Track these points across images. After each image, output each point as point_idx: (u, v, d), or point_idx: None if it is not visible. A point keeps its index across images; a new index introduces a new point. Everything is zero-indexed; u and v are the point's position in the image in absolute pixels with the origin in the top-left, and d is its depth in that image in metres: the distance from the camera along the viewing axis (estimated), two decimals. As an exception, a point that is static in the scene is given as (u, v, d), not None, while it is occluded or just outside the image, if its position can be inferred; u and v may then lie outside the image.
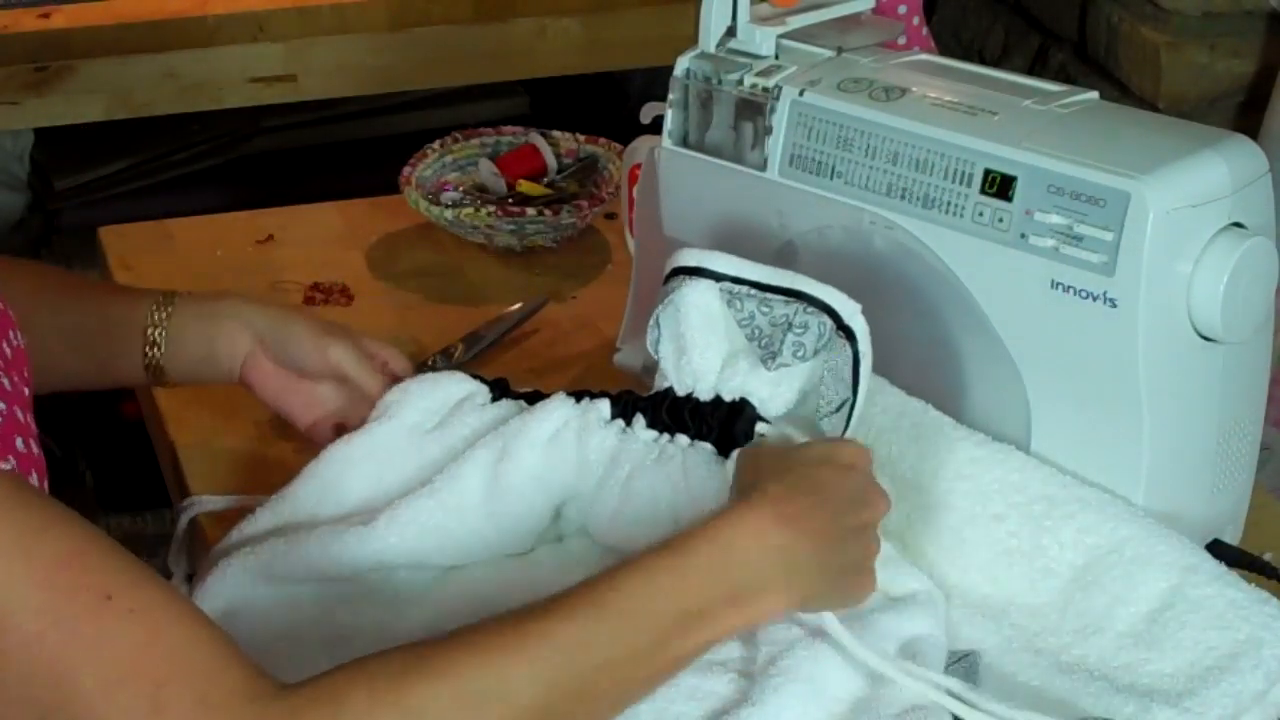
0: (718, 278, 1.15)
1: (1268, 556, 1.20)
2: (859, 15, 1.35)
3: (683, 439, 1.16)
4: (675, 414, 1.17)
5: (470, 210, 1.62)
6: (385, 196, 1.70)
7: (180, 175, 2.65)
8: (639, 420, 1.18)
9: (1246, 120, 2.16)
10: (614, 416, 1.18)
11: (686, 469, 1.15)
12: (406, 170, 1.68)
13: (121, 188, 2.63)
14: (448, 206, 1.63)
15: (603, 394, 1.19)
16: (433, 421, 1.23)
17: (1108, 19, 2.28)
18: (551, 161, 1.71)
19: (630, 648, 0.98)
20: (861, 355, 1.12)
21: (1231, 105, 2.21)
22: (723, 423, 1.15)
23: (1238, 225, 1.14)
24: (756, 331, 1.13)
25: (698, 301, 1.15)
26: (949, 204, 1.19)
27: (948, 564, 1.16)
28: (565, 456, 1.18)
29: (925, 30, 1.50)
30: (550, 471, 1.18)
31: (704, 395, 1.16)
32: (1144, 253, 1.11)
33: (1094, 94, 1.23)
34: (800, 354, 1.12)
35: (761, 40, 1.28)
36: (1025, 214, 1.15)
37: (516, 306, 1.51)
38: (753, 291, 1.14)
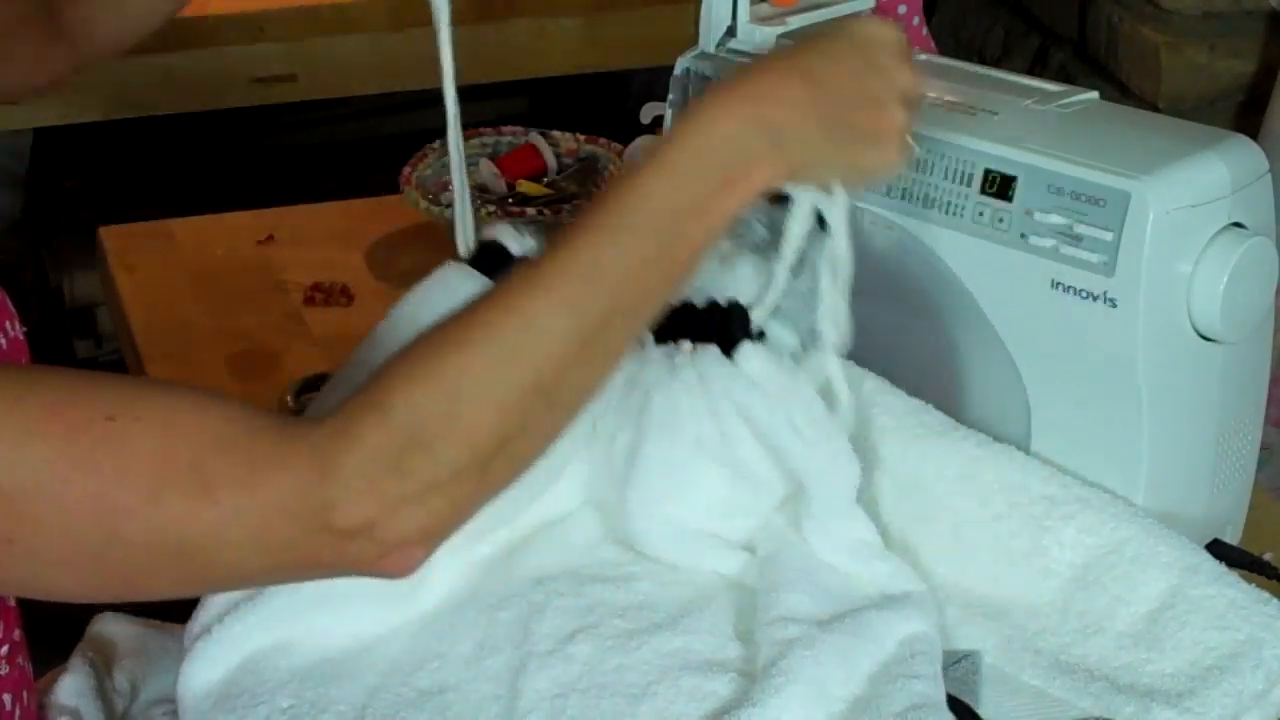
0: None
1: (1268, 556, 1.20)
2: (858, 15, 1.35)
3: (686, 344, 1.15)
4: (675, 323, 1.15)
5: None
6: (385, 196, 1.70)
7: (180, 175, 2.65)
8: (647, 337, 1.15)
9: (1246, 120, 2.17)
10: None
11: (701, 373, 1.14)
12: (407, 170, 1.68)
13: (122, 188, 2.64)
14: (448, 206, 1.63)
15: None
16: None
17: (1108, 19, 2.28)
18: (551, 161, 1.71)
19: (641, 257, 0.97)
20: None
21: (1231, 105, 2.21)
22: (719, 325, 1.14)
23: (1238, 225, 1.14)
24: (744, 229, 1.13)
25: None
26: (949, 204, 1.18)
27: (948, 564, 1.16)
28: None
29: (925, 30, 1.50)
30: None
31: (699, 302, 1.15)
32: (1144, 253, 1.11)
33: (1094, 94, 1.23)
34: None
35: (762, 40, 1.28)
36: (1025, 214, 1.15)
37: None
38: None
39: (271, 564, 0.96)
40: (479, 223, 1.59)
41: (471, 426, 0.95)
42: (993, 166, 1.17)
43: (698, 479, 1.16)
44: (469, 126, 1.76)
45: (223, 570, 0.96)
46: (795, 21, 1.30)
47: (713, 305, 1.15)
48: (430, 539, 0.97)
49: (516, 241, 1.21)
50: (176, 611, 1.32)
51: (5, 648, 1.17)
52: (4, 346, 1.12)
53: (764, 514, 1.17)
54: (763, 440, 1.14)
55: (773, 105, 1.01)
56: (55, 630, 1.37)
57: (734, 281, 1.16)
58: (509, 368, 0.95)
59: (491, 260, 1.21)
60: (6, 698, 1.19)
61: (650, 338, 1.17)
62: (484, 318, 0.96)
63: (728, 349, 1.15)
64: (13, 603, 1.20)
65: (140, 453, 0.91)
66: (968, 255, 1.18)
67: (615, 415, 1.18)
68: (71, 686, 1.30)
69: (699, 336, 1.15)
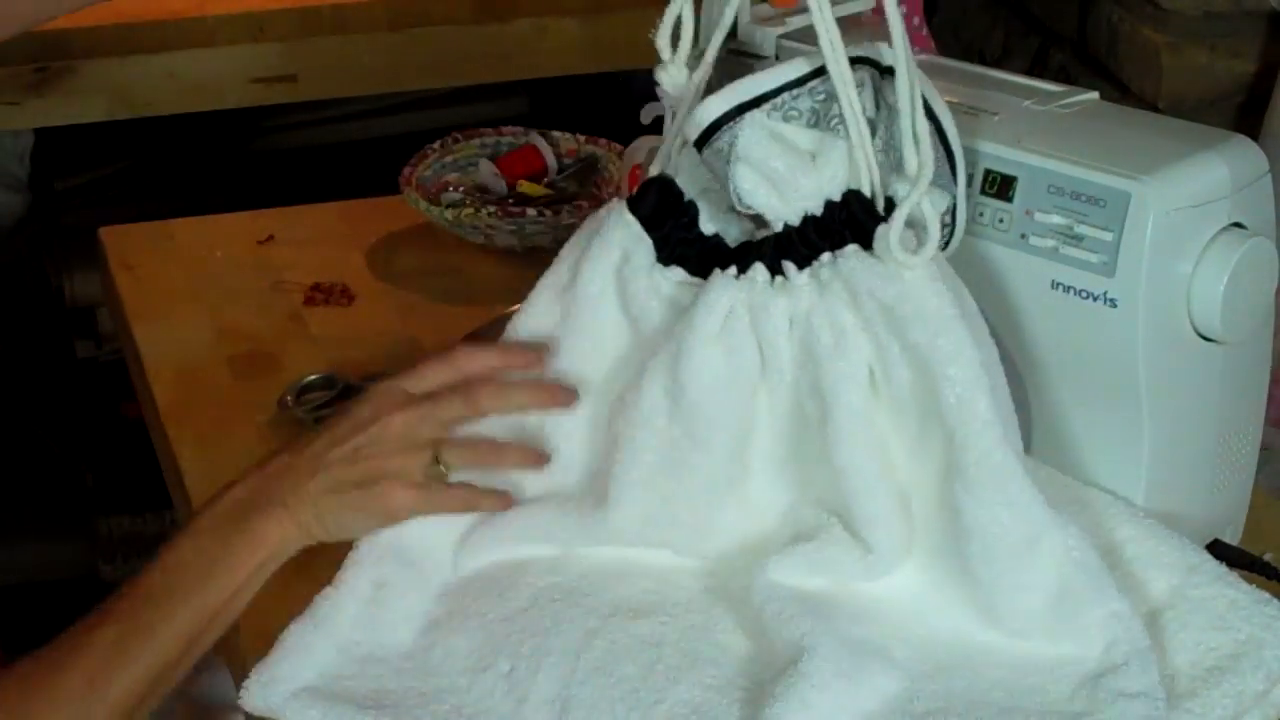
0: (757, 103, 1.11)
1: (1268, 557, 1.20)
2: (859, 16, 1.35)
3: (825, 256, 1.09)
4: (807, 239, 1.10)
5: (470, 211, 1.62)
6: (385, 197, 1.70)
7: (180, 175, 2.65)
8: (789, 267, 1.10)
9: (1247, 121, 2.16)
10: (772, 275, 1.10)
11: (851, 287, 1.09)
12: (407, 170, 1.68)
13: (122, 188, 2.63)
14: (448, 207, 1.63)
15: (750, 254, 1.11)
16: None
17: (1108, 19, 2.28)
18: (552, 162, 1.71)
19: (169, 652, 1.10)
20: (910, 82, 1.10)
21: (1232, 106, 2.21)
22: (847, 221, 1.10)
23: (1238, 225, 1.14)
24: (821, 118, 1.11)
25: (760, 135, 1.10)
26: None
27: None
28: (744, 344, 1.11)
29: (925, 31, 1.50)
30: (734, 370, 1.11)
31: (817, 211, 1.11)
32: (1144, 253, 1.11)
33: (1094, 94, 1.23)
34: (868, 113, 1.10)
35: (762, 40, 1.27)
36: (1025, 214, 1.15)
37: (516, 307, 1.51)
38: (794, 92, 1.11)
39: None
40: (479, 223, 1.60)
41: None
42: (993, 167, 1.17)
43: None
44: (469, 128, 1.76)
45: None
46: (795, 22, 1.30)
47: (831, 206, 1.10)
48: None
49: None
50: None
51: None
52: None
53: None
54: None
55: (269, 483, 1.13)
56: (50, 638, 1.37)
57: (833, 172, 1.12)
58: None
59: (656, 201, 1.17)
60: None
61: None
62: (45, 686, 1.10)
63: (867, 244, 1.09)
64: None
65: None
66: (968, 255, 1.18)
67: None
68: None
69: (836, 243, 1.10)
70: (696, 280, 1.13)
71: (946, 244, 1.13)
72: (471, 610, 1.14)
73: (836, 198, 1.10)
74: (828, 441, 1.10)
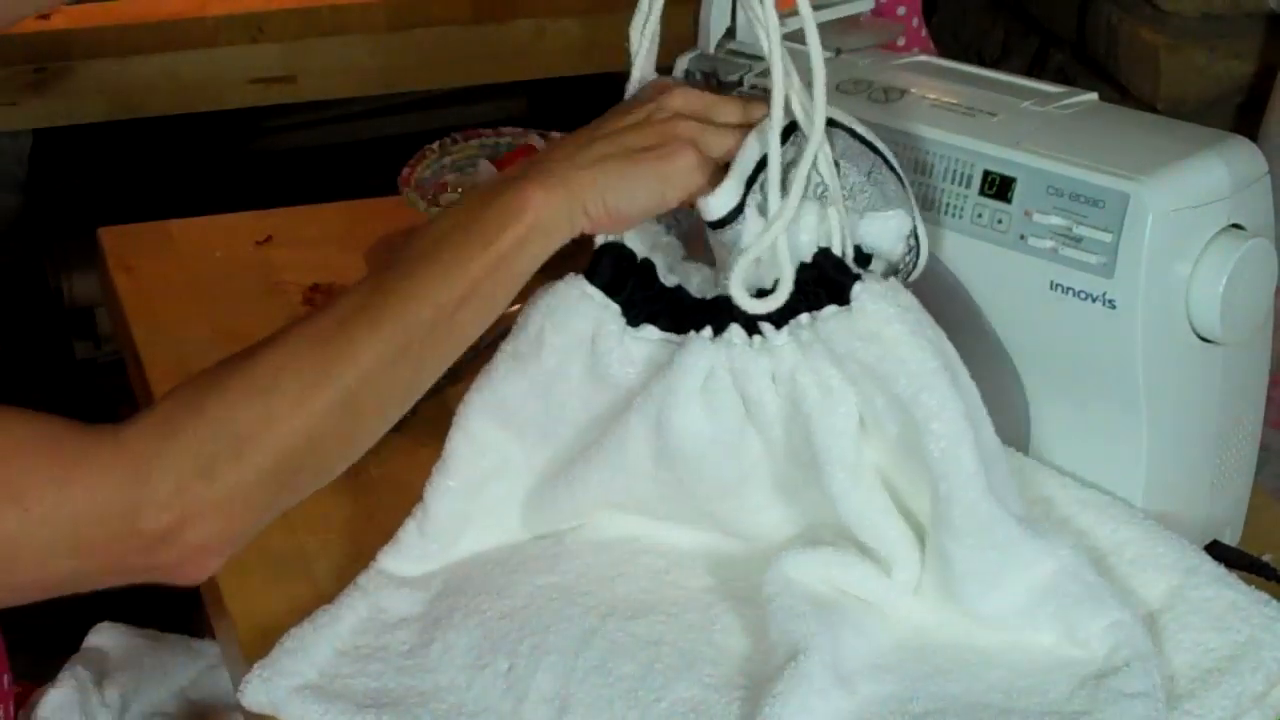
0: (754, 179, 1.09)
1: (1267, 558, 1.20)
2: (858, 17, 1.35)
3: (804, 317, 1.08)
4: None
5: (469, 211, 1.62)
6: (385, 197, 1.70)
7: (179, 176, 2.65)
8: (766, 327, 1.08)
9: (1245, 122, 2.17)
10: (750, 334, 1.09)
11: (831, 347, 1.08)
12: (406, 171, 1.67)
13: (120, 188, 2.64)
14: (447, 207, 1.63)
15: (723, 313, 1.09)
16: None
17: (1107, 20, 2.28)
18: (551, 162, 1.71)
19: (437, 286, 1.03)
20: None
21: (1230, 107, 2.21)
22: (820, 280, 1.08)
23: (1237, 227, 1.14)
24: (789, 181, 1.08)
25: (757, 223, 1.08)
26: (948, 205, 1.19)
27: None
28: (726, 402, 1.10)
29: (924, 32, 1.50)
30: (718, 427, 1.10)
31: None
32: (1143, 254, 1.11)
33: (1093, 95, 1.23)
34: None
35: (760, 41, 1.27)
36: (1024, 215, 1.15)
37: (515, 308, 1.51)
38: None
39: (80, 569, 0.98)
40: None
41: (282, 434, 0.99)
42: (991, 168, 1.17)
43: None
44: (468, 128, 1.76)
45: (31, 578, 0.98)
46: (795, 23, 1.29)
47: (803, 266, 1.08)
48: (227, 546, 1.02)
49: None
50: (175, 621, 1.33)
51: None
52: None
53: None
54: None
55: (540, 159, 1.07)
56: (50, 643, 1.37)
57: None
58: (323, 378, 1.00)
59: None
60: None
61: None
62: (299, 332, 1.01)
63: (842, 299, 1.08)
64: None
65: None
66: (966, 256, 1.18)
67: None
68: (55, 702, 1.30)
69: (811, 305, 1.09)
70: (670, 336, 1.12)
71: (913, 268, 1.13)
72: (470, 609, 1.14)
73: (808, 259, 1.08)
74: (828, 494, 1.10)
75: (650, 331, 1.12)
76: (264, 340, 1.02)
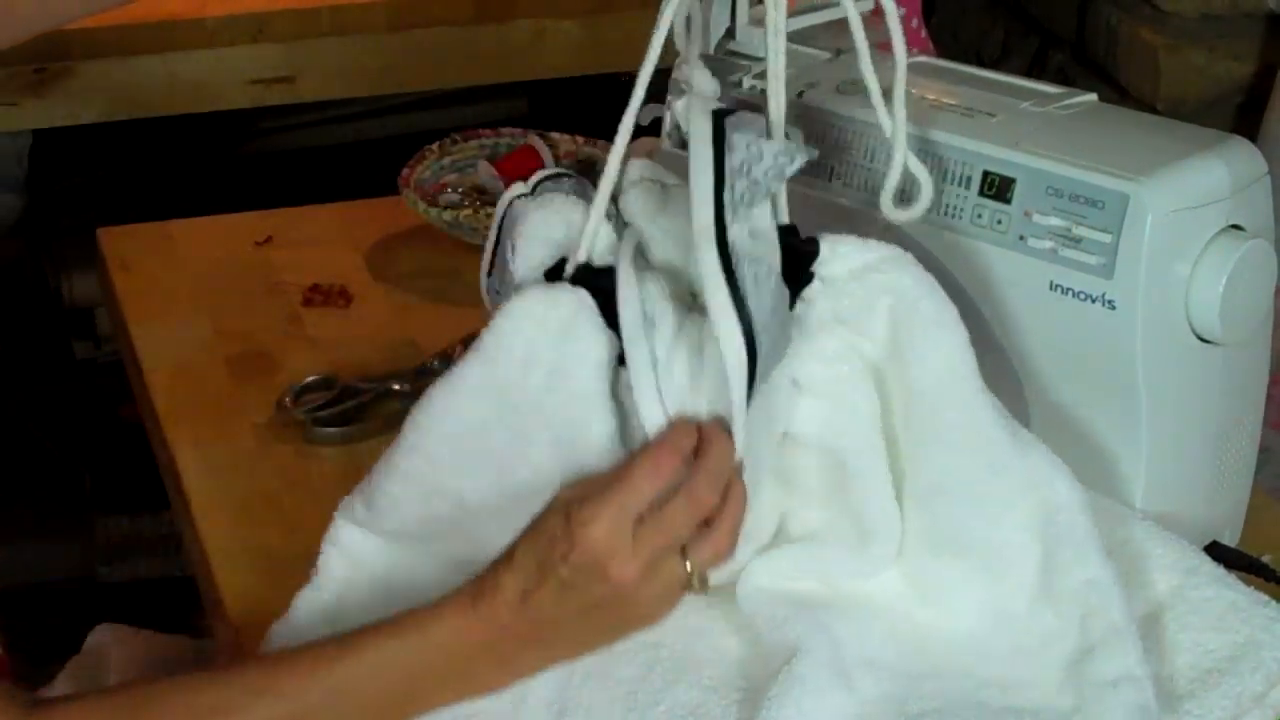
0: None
1: (1266, 559, 1.20)
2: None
3: (799, 306, 1.06)
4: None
5: (469, 212, 1.62)
6: (384, 198, 1.70)
7: (179, 176, 2.65)
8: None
9: (1245, 122, 2.17)
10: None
11: (821, 315, 1.07)
12: (405, 172, 1.68)
13: (120, 189, 2.63)
14: (446, 208, 1.63)
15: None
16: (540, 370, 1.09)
17: (1106, 21, 2.28)
18: (550, 163, 1.71)
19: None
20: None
21: (1230, 107, 2.21)
22: (789, 260, 1.06)
23: (1236, 227, 1.14)
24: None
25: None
26: (948, 205, 1.18)
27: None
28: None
29: (924, 32, 1.50)
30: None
31: None
32: (1142, 255, 1.11)
33: (1092, 96, 1.23)
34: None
35: (759, 42, 1.27)
36: (1024, 216, 1.15)
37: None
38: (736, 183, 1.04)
39: None
40: (477, 225, 1.60)
41: None
42: (991, 168, 1.17)
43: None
44: (468, 129, 1.76)
45: None
46: (794, 24, 1.29)
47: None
48: None
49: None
50: (174, 622, 1.33)
51: None
52: None
53: None
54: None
55: (505, 637, 1.03)
56: (50, 644, 1.37)
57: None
58: None
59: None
60: None
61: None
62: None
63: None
64: None
65: None
66: (966, 257, 1.18)
67: None
68: (55, 702, 1.29)
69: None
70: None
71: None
72: None
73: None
74: (842, 451, 1.09)
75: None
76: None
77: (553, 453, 1.08)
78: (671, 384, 1.04)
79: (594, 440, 1.07)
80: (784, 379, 1.07)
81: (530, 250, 1.11)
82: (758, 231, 1.03)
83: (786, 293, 1.05)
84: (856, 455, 1.09)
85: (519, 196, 1.14)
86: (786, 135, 1.08)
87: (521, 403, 1.08)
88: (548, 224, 1.11)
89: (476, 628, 1.02)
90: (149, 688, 1.05)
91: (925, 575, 1.10)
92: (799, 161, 1.03)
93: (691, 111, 1.04)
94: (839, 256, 1.07)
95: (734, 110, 1.04)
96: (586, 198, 1.11)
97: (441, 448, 1.10)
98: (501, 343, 1.08)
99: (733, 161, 1.01)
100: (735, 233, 1.00)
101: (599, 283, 1.08)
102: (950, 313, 1.07)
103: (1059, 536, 1.07)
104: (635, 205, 1.12)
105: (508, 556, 1.02)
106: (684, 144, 1.30)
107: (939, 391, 1.07)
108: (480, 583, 1.03)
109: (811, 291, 1.07)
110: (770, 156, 1.02)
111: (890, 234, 1.20)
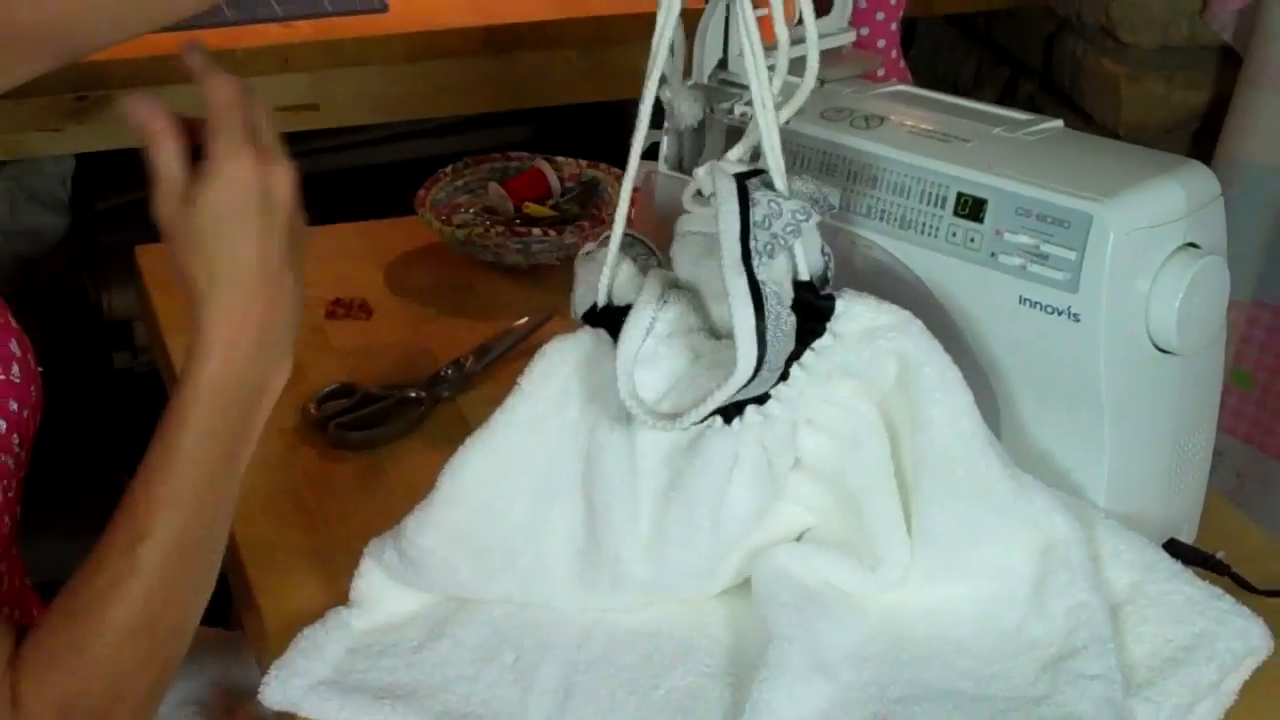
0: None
1: (1221, 555, 1.20)
2: (841, 49, 1.35)
3: (808, 355, 1.05)
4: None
5: (480, 230, 1.62)
6: (402, 217, 1.70)
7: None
8: (778, 389, 1.05)
9: (1201, 147, 2.17)
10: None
11: (838, 365, 1.07)
12: (421, 193, 1.67)
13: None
14: (459, 227, 1.63)
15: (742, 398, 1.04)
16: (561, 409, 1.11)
17: (1072, 53, 2.28)
18: (555, 185, 1.71)
19: (203, 489, 1.05)
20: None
21: (1187, 133, 2.21)
22: (805, 314, 1.06)
23: (1192, 245, 1.14)
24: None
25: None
26: (924, 225, 1.18)
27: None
28: (757, 476, 1.06)
29: (902, 63, 1.50)
30: (757, 499, 1.07)
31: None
32: (1105, 271, 1.11)
33: (1059, 122, 1.23)
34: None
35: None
36: (995, 234, 1.15)
37: (523, 321, 1.51)
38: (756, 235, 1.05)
39: None
40: (488, 242, 1.60)
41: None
42: (965, 190, 1.17)
43: None
44: (479, 153, 1.76)
45: None
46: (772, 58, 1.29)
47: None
48: None
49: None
50: (206, 615, 1.32)
51: None
52: (17, 379, 1.12)
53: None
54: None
55: (249, 332, 1.07)
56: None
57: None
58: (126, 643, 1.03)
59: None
60: None
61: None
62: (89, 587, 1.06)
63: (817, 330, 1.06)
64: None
65: None
66: (942, 272, 1.18)
67: None
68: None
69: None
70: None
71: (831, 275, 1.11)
72: (477, 607, 1.14)
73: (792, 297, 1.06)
74: (855, 487, 1.09)
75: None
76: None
77: (580, 471, 1.09)
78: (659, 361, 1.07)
79: (618, 462, 1.07)
80: (788, 419, 1.06)
81: (581, 297, 1.13)
82: (775, 282, 1.04)
83: (793, 341, 1.05)
84: (867, 492, 1.09)
85: (586, 252, 1.14)
86: (798, 188, 1.07)
87: (558, 432, 1.10)
88: (589, 272, 1.13)
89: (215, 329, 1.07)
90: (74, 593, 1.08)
91: (925, 590, 1.11)
92: (815, 218, 1.05)
93: (715, 176, 1.05)
94: (852, 316, 1.07)
95: (756, 172, 1.06)
96: (642, 252, 1.13)
97: (478, 491, 1.11)
98: (537, 381, 1.11)
99: (755, 216, 1.03)
100: (763, 275, 1.02)
101: (618, 320, 1.09)
102: (953, 375, 1.07)
103: (1054, 563, 1.08)
104: (683, 255, 1.11)
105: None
106: (680, 166, 1.31)
107: (946, 451, 1.07)
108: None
109: (822, 344, 1.07)
110: (789, 214, 1.04)
111: (871, 251, 1.20)
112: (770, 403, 1.05)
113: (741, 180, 1.04)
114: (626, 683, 1.07)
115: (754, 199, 1.04)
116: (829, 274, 1.09)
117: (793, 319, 1.04)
